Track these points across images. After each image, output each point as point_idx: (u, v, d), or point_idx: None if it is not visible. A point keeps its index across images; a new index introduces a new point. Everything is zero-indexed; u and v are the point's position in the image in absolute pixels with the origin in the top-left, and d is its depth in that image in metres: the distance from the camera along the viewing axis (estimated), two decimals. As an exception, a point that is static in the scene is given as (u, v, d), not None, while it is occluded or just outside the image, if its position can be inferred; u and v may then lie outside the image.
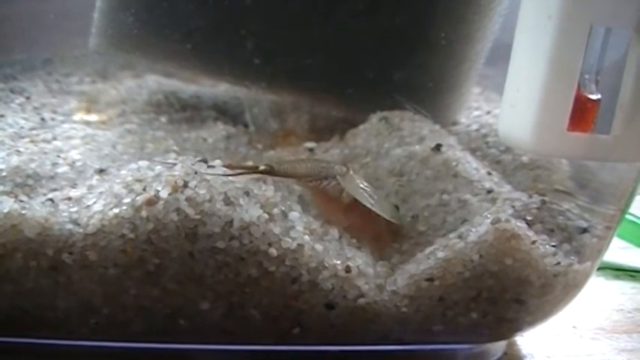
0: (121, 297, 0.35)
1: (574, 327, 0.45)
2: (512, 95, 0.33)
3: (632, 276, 0.53)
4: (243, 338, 0.37)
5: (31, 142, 0.43)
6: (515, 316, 0.37)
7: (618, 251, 0.55)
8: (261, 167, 0.35)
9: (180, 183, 0.33)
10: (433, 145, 0.41)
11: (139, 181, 0.34)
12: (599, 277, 0.52)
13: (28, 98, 0.51)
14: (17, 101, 0.50)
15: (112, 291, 0.34)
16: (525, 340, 0.43)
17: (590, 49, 0.33)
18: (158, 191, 0.33)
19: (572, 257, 0.36)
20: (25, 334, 0.37)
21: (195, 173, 0.33)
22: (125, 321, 0.35)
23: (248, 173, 0.35)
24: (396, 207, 0.39)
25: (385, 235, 0.38)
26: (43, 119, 0.47)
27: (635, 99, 0.34)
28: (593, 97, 0.34)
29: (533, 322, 0.38)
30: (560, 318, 0.40)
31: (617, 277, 0.53)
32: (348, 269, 0.35)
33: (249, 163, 0.43)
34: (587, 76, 0.34)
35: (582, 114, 0.34)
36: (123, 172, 0.36)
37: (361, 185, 0.37)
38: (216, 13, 0.46)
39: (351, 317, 0.36)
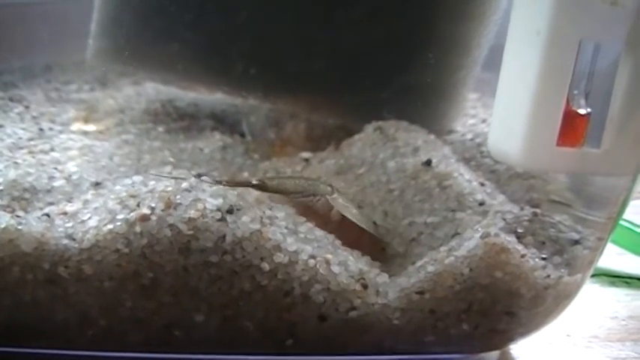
0: (116, 309, 0.35)
1: (568, 335, 0.46)
2: (502, 111, 0.34)
3: (627, 283, 0.53)
4: (238, 349, 0.37)
5: (29, 153, 0.44)
6: (507, 327, 0.37)
7: (614, 257, 0.55)
8: (253, 182, 0.36)
9: (174, 199, 0.34)
10: (424, 159, 0.41)
11: (133, 196, 0.34)
12: (594, 283, 0.52)
13: (27, 107, 0.52)
14: (16, 110, 0.51)
15: (107, 303, 0.35)
16: (519, 349, 0.43)
17: (580, 64, 0.34)
18: (152, 207, 0.33)
19: (563, 270, 0.37)
20: (23, 344, 0.38)
21: (189, 191, 0.34)
22: (121, 332, 0.36)
23: (241, 186, 0.36)
24: (375, 223, 0.40)
25: (371, 250, 0.38)
26: (41, 129, 0.48)
27: (624, 113, 0.34)
28: (583, 111, 0.35)
29: (524, 333, 0.38)
30: (554, 326, 0.41)
31: (613, 284, 0.53)
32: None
33: (245, 174, 0.44)
34: (576, 91, 0.34)
35: (572, 128, 0.34)
36: (117, 187, 0.36)
37: (345, 204, 0.38)
38: (212, 24, 0.46)
39: (343, 329, 0.36)
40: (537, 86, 0.32)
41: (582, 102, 0.34)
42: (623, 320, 0.48)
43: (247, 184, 0.36)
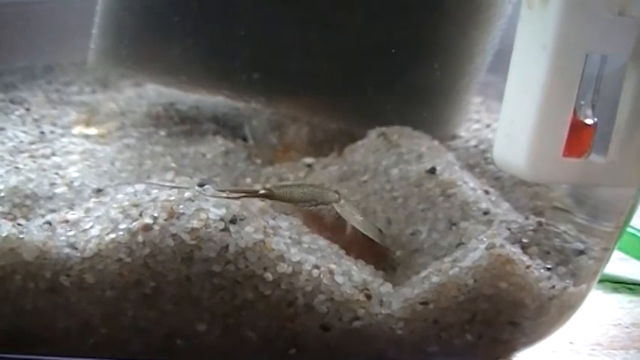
0: (118, 318, 0.35)
1: (571, 342, 0.45)
2: (508, 122, 0.33)
3: (630, 289, 0.53)
4: (240, 358, 0.37)
5: (30, 157, 0.43)
6: (510, 337, 0.37)
7: (617, 263, 0.55)
8: (261, 191, 0.36)
9: (177, 209, 0.33)
10: (428, 167, 0.41)
11: (136, 205, 0.34)
12: (598, 290, 0.52)
13: (28, 110, 0.51)
14: (17, 113, 0.51)
15: (109, 312, 0.35)
16: (521, 357, 0.43)
17: (586, 74, 0.33)
18: (154, 217, 0.33)
19: (568, 280, 0.37)
20: (24, 352, 0.37)
21: (192, 200, 0.34)
22: (123, 341, 0.36)
23: (247, 196, 0.36)
24: (380, 231, 0.40)
25: (377, 258, 0.38)
26: (42, 132, 0.48)
27: (631, 124, 0.34)
28: (589, 121, 0.34)
29: (528, 343, 0.38)
30: (557, 333, 0.41)
31: (616, 291, 0.52)
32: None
33: (248, 180, 0.44)
34: (582, 102, 0.34)
35: (578, 139, 0.34)
36: (120, 195, 0.36)
37: (351, 211, 0.38)
38: (214, 28, 0.46)
39: (346, 339, 0.36)
40: (544, 99, 0.32)
41: (589, 112, 0.34)
42: (627, 327, 0.47)
43: (254, 194, 0.36)
